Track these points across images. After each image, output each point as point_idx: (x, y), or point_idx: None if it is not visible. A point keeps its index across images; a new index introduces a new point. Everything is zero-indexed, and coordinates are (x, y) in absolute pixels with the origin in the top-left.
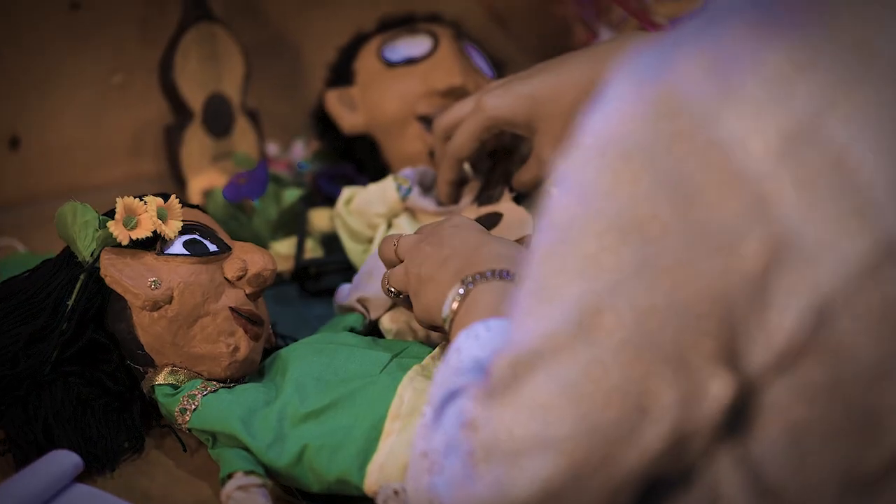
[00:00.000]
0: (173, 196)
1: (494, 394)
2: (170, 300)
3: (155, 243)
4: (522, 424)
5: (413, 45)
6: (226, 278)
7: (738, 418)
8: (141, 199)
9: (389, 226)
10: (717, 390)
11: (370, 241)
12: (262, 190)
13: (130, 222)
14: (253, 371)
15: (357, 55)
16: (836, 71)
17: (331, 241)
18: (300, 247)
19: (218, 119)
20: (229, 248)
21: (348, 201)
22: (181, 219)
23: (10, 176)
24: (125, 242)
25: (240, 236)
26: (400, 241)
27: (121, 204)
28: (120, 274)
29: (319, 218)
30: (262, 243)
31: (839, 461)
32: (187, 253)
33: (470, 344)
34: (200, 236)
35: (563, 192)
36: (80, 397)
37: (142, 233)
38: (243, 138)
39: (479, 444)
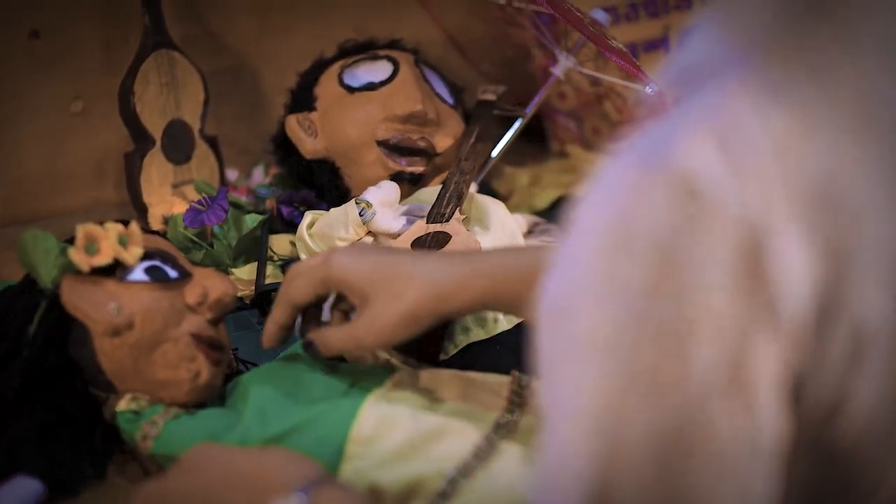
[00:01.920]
0: (133, 222)
1: None
2: (131, 326)
3: (115, 270)
4: None
5: (373, 71)
6: (186, 304)
7: None
8: (102, 226)
9: None
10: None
11: None
12: (223, 216)
13: (91, 249)
14: (214, 396)
15: (317, 80)
16: (841, 125)
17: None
18: (261, 272)
19: (178, 146)
20: (190, 275)
21: (311, 225)
22: (142, 245)
23: None
24: (86, 269)
25: (200, 262)
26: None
27: (81, 231)
28: (81, 300)
29: (280, 243)
30: (223, 269)
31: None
32: (148, 279)
33: None
34: (161, 262)
35: (592, 301)
36: (44, 423)
37: (102, 259)
38: (203, 165)
39: None
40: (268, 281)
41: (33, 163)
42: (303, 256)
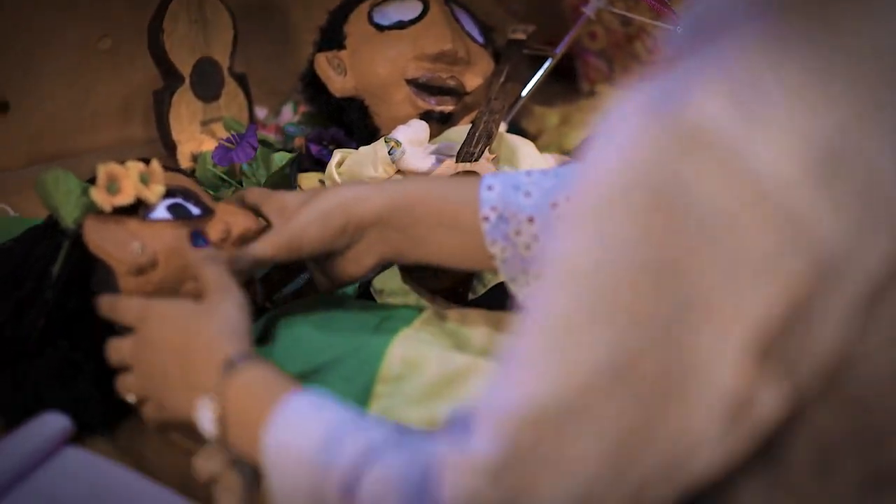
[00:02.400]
0: (154, 160)
1: (511, 461)
2: (155, 265)
3: (138, 209)
4: (552, 486)
5: (404, 9)
6: (210, 242)
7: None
8: (123, 165)
9: None
10: (768, 410)
11: None
12: (251, 154)
13: (113, 188)
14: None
15: (347, 18)
16: (855, 80)
17: None
18: None
19: (207, 83)
20: (212, 211)
21: (340, 164)
22: (164, 183)
23: (1, 140)
24: (108, 209)
25: None
26: (120, 347)
27: (102, 170)
28: (104, 240)
29: (309, 182)
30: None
31: (859, 465)
32: (171, 217)
33: (295, 437)
34: (183, 199)
35: (579, 236)
36: (68, 361)
37: (124, 198)
38: (232, 102)
39: None
40: None
41: (60, 101)
42: None
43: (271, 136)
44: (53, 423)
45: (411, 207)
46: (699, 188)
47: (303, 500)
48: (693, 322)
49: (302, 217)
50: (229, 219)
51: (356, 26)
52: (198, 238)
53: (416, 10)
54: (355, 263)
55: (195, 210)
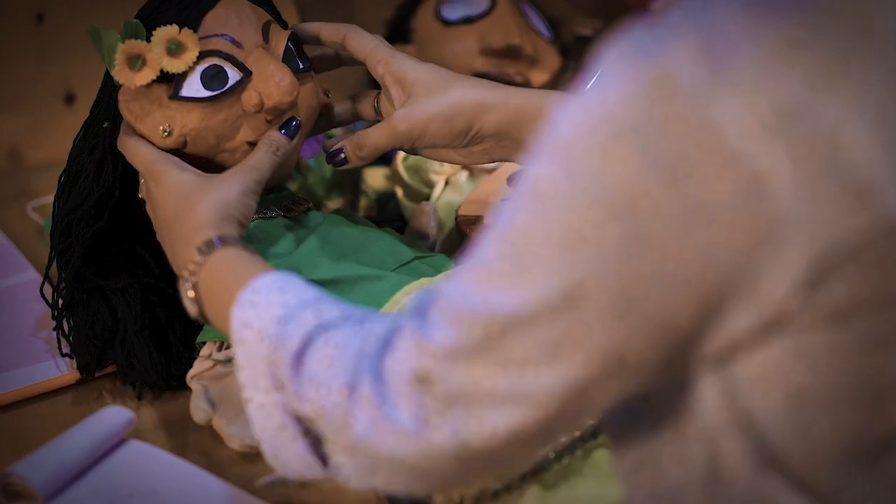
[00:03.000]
0: (185, 29)
1: (460, 351)
2: (183, 146)
3: (173, 78)
4: (492, 378)
5: (471, 4)
6: (244, 111)
7: (734, 383)
8: (151, 33)
9: (447, 183)
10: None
11: (427, 199)
12: (317, 148)
13: (136, 63)
14: (285, 174)
15: (415, 13)
16: (833, 47)
17: (386, 201)
18: (354, 205)
19: None
20: (250, 74)
21: (405, 158)
22: (196, 48)
23: (67, 131)
24: (133, 88)
25: (296, 192)
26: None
27: (121, 51)
28: (135, 120)
29: (374, 177)
30: (317, 202)
31: (843, 430)
32: (200, 96)
33: (258, 312)
34: (222, 60)
35: (549, 163)
36: (157, 319)
37: (147, 76)
38: None
39: (437, 397)
40: (361, 214)
41: None
42: (397, 190)
43: (337, 131)
44: (118, 415)
45: (533, 120)
46: (663, 132)
47: (262, 375)
48: (641, 258)
49: (426, 109)
50: (262, 88)
51: (423, 20)
52: (285, 128)
53: (484, 4)
54: (464, 157)
55: (232, 75)
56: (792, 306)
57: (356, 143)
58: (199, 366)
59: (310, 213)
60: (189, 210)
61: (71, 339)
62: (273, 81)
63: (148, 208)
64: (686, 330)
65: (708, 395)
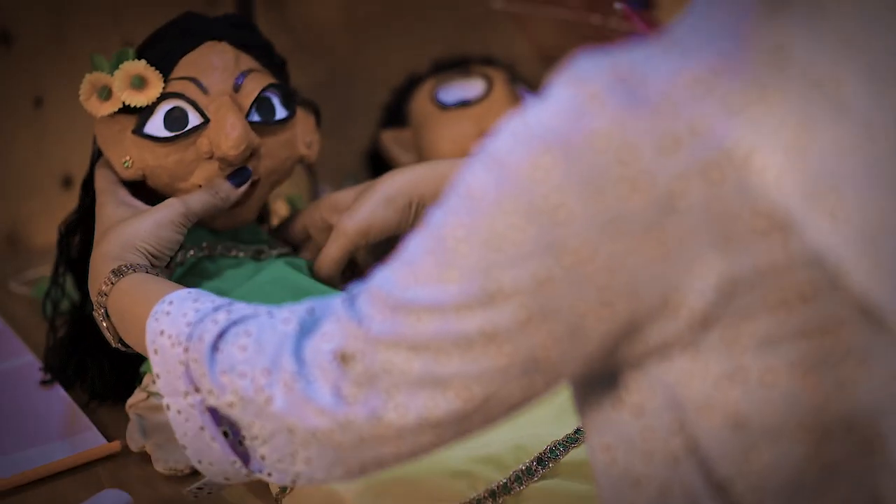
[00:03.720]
0: (150, 66)
1: (382, 335)
2: (143, 178)
3: (142, 111)
4: (408, 362)
5: (467, 88)
6: (199, 154)
7: (678, 405)
8: (118, 64)
9: None
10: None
11: None
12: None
13: (103, 94)
14: (242, 219)
15: (411, 96)
16: (752, 77)
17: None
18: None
19: None
20: (208, 121)
21: None
22: (159, 86)
23: (65, 215)
24: (99, 116)
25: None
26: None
27: (87, 80)
28: (104, 146)
29: None
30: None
31: (783, 459)
32: (159, 136)
33: (172, 320)
34: (185, 103)
35: (483, 167)
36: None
37: (109, 108)
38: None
39: (356, 375)
40: None
41: None
42: None
43: None
44: (115, 498)
45: None
46: (587, 148)
47: (178, 379)
48: (556, 263)
49: (367, 205)
50: (215, 136)
51: (420, 104)
52: (234, 177)
53: (480, 88)
54: None
55: (193, 119)
56: (711, 321)
57: (318, 268)
58: (135, 396)
59: (280, 258)
60: (100, 242)
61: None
62: (223, 133)
63: None
64: (598, 334)
65: (650, 408)
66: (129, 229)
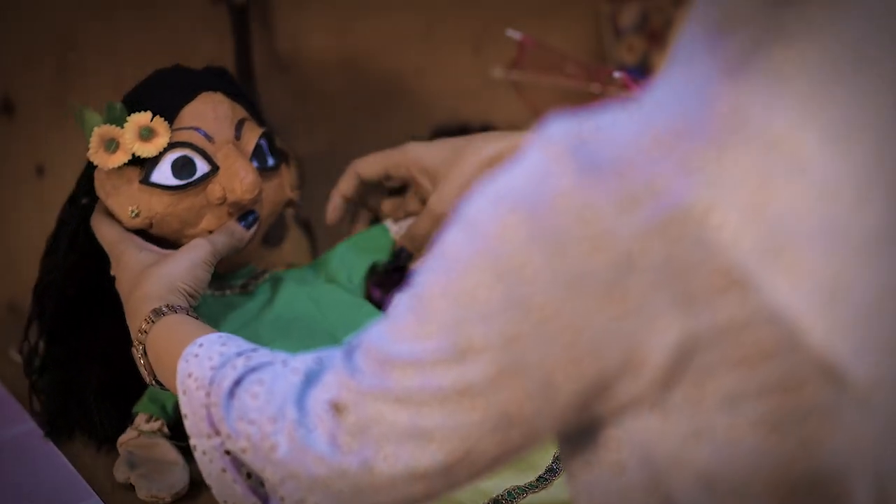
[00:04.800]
0: (157, 117)
1: (372, 388)
2: (149, 226)
3: (145, 162)
4: (395, 414)
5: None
6: (208, 201)
7: (651, 463)
8: (125, 117)
9: None
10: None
11: None
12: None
13: (111, 146)
14: (241, 261)
15: None
16: (710, 138)
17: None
18: None
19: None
20: (217, 169)
21: None
22: (167, 136)
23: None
24: (107, 168)
25: None
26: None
27: (96, 134)
28: (106, 197)
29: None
30: None
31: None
32: (168, 184)
33: (199, 362)
34: (192, 152)
35: (458, 229)
36: (118, 377)
37: (120, 158)
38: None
39: (349, 425)
40: None
41: None
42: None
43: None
44: None
45: None
46: (551, 208)
47: (202, 421)
48: (522, 320)
49: (453, 184)
50: (226, 183)
51: None
52: (244, 219)
53: None
54: None
55: (201, 166)
56: (674, 379)
57: (409, 238)
58: (127, 435)
59: (266, 283)
60: (140, 284)
61: (42, 399)
62: (237, 178)
63: (116, 286)
64: (567, 391)
65: (628, 466)
66: (167, 270)
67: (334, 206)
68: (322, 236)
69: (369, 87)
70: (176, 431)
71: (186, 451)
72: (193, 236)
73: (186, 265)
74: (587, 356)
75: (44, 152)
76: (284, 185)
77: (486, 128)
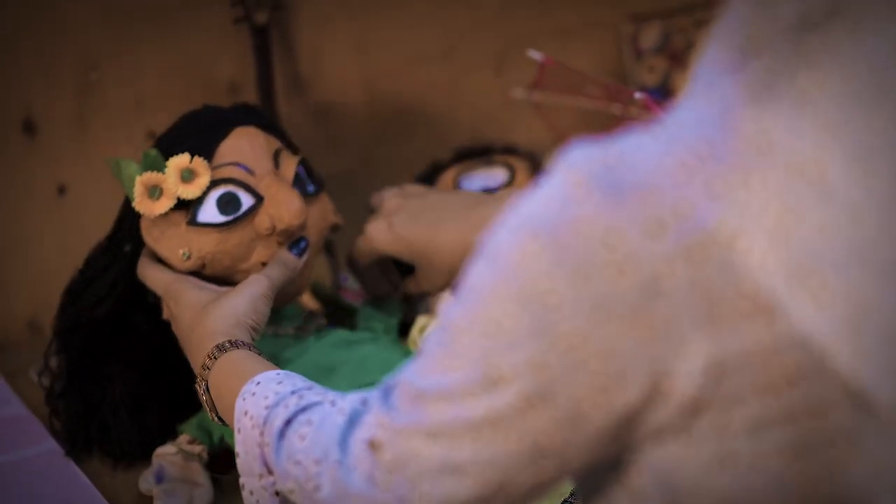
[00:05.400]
0: (196, 157)
1: (406, 424)
2: (202, 267)
3: (190, 204)
4: (428, 449)
5: (490, 177)
6: (257, 233)
7: (670, 489)
8: (164, 162)
9: None
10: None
11: None
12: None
13: (154, 193)
14: (295, 292)
15: (434, 185)
16: (735, 163)
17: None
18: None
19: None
20: (262, 199)
21: (422, 329)
22: (208, 174)
23: None
24: (153, 216)
25: None
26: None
27: (138, 182)
28: (157, 242)
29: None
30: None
31: None
32: (216, 222)
33: (255, 401)
34: (235, 188)
35: (483, 260)
36: (136, 392)
37: (165, 205)
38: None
39: (385, 463)
40: None
41: None
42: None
43: (356, 303)
44: None
45: None
46: (574, 233)
47: (255, 460)
48: (550, 349)
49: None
50: (273, 212)
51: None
52: (295, 247)
53: (503, 177)
54: None
55: (246, 200)
56: (701, 406)
57: (358, 248)
58: (165, 448)
59: (319, 331)
60: (202, 321)
61: (62, 419)
62: (284, 206)
63: (173, 327)
64: (597, 420)
65: (648, 493)
66: (229, 306)
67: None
68: (343, 257)
69: (391, 107)
70: (213, 463)
71: (216, 484)
72: (246, 271)
73: (247, 300)
74: (615, 384)
75: (65, 172)
76: (327, 209)
77: (508, 149)
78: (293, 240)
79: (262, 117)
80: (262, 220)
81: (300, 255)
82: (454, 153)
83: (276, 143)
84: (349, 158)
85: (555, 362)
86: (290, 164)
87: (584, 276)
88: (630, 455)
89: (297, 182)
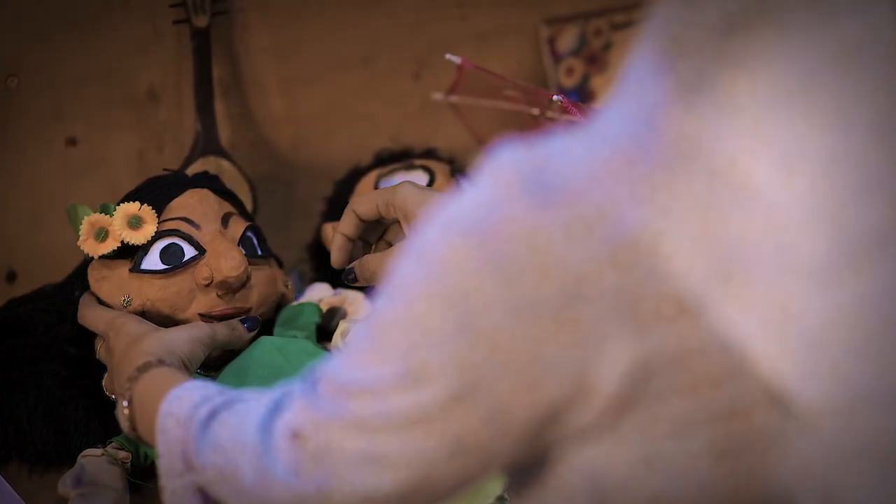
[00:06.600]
0: (145, 206)
1: (330, 416)
2: (142, 315)
3: (136, 251)
4: (352, 441)
5: (410, 180)
6: (196, 284)
7: (600, 490)
8: (114, 208)
9: None
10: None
11: None
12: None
13: (100, 235)
14: (229, 357)
15: (354, 189)
16: (662, 163)
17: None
18: None
19: None
20: (204, 251)
21: (344, 334)
22: (155, 224)
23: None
24: (96, 257)
25: None
26: (99, 350)
27: (86, 221)
28: (99, 288)
29: None
30: None
31: None
32: (157, 269)
33: (181, 403)
34: (179, 239)
35: (410, 256)
36: (52, 396)
37: (110, 246)
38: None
39: (308, 453)
40: None
41: (67, 269)
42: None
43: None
44: None
45: None
46: (501, 234)
47: (177, 458)
48: (475, 347)
49: None
50: (213, 263)
51: None
52: (248, 321)
53: (422, 181)
54: None
55: (189, 251)
56: (624, 406)
57: (360, 266)
58: (91, 450)
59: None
60: (138, 344)
61: None
62: (223, 258)
63: (107, 362)
64: (520, 418)
65: (577, 493)
66: (168, 337)
67: (339, 247)
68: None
69: (311, 112)
70: (135, 473)
71: (135, 492)
72: (185, 320)
73: (187, 338)
74: (539, 384)
75: None
76: (277, 278)
77: (428, 152)
78: (234, 296)
79: (219, 184)
80: (202, 271)
81: (250, 329)
82: (374, 158)
83: (229, 207)
84: (270, 163)
85: (480, 361)
86: (238, 227)
87: (510, 277)
88: (557, 454)
89: (245, 243)
